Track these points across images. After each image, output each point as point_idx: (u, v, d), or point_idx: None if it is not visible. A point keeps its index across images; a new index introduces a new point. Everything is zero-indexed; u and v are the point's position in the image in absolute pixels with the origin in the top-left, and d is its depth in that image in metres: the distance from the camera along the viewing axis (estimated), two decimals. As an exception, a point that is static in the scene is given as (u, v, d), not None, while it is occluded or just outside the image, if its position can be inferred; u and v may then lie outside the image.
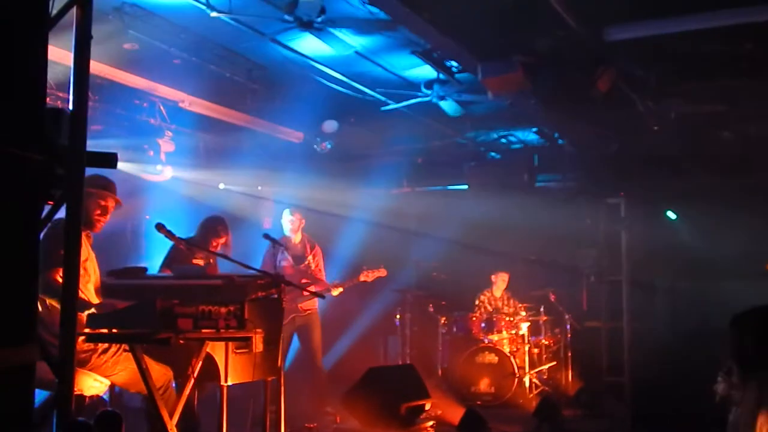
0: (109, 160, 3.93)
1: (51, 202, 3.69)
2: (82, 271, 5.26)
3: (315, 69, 8.97)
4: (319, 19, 7.29)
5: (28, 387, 3.35)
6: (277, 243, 7.94)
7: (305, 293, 7.92)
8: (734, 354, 3.19)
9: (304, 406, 8.62)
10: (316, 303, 9.14)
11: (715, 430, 4.86)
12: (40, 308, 4.74)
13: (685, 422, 8.29)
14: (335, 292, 8.87)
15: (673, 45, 8.32)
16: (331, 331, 11.94)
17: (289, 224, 9.12)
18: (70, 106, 3.66)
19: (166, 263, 7.34)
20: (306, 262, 9.06)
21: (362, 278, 9.17)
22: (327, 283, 9.08)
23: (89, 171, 5.41)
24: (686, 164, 12.02)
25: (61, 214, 3.85)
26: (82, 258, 5.32)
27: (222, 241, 7.57)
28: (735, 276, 12.72)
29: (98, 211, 5.60)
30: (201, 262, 7.21)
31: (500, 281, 11.78)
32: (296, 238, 9.11)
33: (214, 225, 7.68)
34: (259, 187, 12.73)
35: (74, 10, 3.67)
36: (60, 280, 4.71)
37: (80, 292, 4.80)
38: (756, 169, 11.56)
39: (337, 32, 7.82)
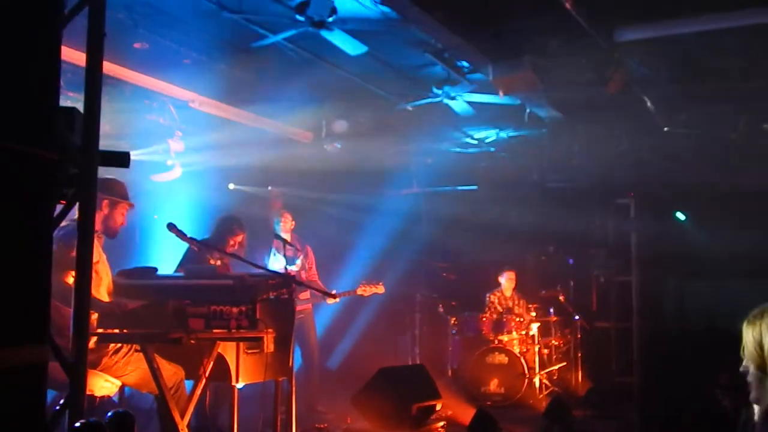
0: (122, 159, 3.92)
1: (63, 201, 3.69)
2: (93, 274, 5.26)
3: (326, 68, 8.95)
4: (331, 19, 7.27)
5: (33, 388, 3.30)
6: (288, 243, 7.95)
7: (302, 297, 7.91)
8: (751, 355, 3.14)
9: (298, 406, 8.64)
10: (310, 305, 9.15)
11: (724, 430, 4.83)
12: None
13: (694, 423, 8.25)
14: (330, 301, 8.77)
15: (684, 46, 8.30)
16: (341, 332, 11.95)
17: (282, 226, 9.13)
18: (83, 105, 3.66)
19: (182, 263, 7.36)
20: (298, 263, 9.06)
21: (359, 292, 9.15)
22: (321, 284, 9.09)
23: (101, 172, 5.43)
24: (696, 165, 11.97)
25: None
26: (94, 260, 5.30)
27: (239, 239, 7.62)
28: (745, 276, 12.68)
29: (121, 220, 5.62)
30: (218, 262, 7.22)
31: (508, 280, 11.72)
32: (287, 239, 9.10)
33: (230, 224, 7.72)
34: (270, 188, 12.71)
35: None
36: (68, 282, 4.70)
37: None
38: (765, 170, 11.51)
39: (348, 32, 7.80)
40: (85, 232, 3.72)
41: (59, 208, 3.75)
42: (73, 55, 5.35)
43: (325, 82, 9.35)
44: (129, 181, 5.82)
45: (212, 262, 7.14)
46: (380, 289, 9.21)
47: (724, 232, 12.72)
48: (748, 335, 3.16)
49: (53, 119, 3.33)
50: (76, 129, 3.58)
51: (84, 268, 3.73)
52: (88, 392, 5.01)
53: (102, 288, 5.38)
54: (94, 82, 3.69)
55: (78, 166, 3.58)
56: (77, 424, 3.38)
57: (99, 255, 5.44)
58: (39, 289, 3.27)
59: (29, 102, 3.17)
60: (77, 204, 3.74)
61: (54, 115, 3.34)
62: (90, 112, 3.68)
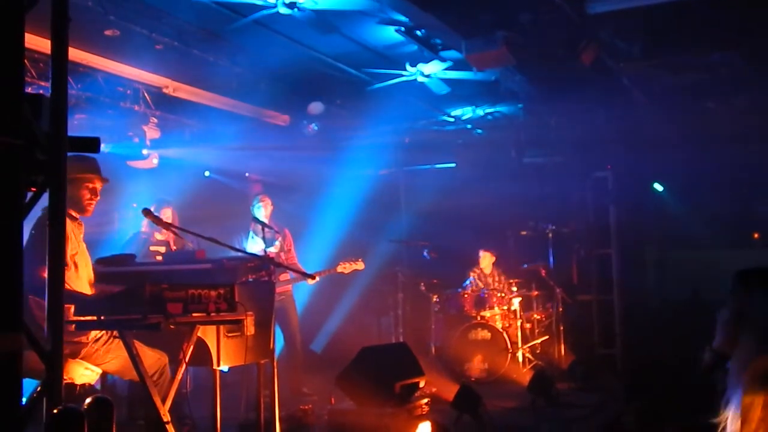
0: (91, 144, 3.89)
1: (33, 189, 3.65)
2: (71, 265, 5.21)
3: (300, 50, 8.91)
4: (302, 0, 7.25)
5: (8, 376, 3.27)
6: (266, 226, 7.93)
7: (281, 278, 7.90)
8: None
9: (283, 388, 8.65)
10: (290, 286, 9.14)
11: (707, 398, 4.88)
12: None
13: (677, 392, 8.32)
14: (310, 282, 8.71)
15: (656, 16, 8.30)
16: (325, 314, 11.96)
17: (261, 209, 9.10)
18: (50, 90, 3.63)
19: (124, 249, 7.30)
20: (277, 245, 9.05)
21: (339, 269, 9.13)
22: (300, 267, 9.07)
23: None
24: (672, 136, 12.01)
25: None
26: (71, 251, 5.24)
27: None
28: (723, 246, 12.80)
29: (88, 196, 5.49)
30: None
31: (487, 257, 11.74)
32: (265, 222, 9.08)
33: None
34: (247, 174, 12.66)
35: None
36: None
37: (68, 286, 4.75)
38: (741, 139, 11.57)
39: (320, 12, 7.76)
40: (55, 218, 3.69)
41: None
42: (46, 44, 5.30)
43: (300, 64, 9.31)
44: (105, 170, 5.74)
45: (152, 249, 7.09)
46: (360, 265, 9.20)
47: (702, 202, 12.81)
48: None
49: (19, 105, 3.29)
50: (43, 115, 3.54)
51: (56, 255, 3.70)
52: (68, 380, 5.01)
53: (80, 281, 5.30)
54: (60, 66, 3.65)
55: (46, 153, 3.54)
56: (55, 411, 3.38)
57: (78, 245, 5.37)
58: (12, 277, 3.25)
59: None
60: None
61: (20, 102, 3.30)
62: (57, 97, 3.64)
